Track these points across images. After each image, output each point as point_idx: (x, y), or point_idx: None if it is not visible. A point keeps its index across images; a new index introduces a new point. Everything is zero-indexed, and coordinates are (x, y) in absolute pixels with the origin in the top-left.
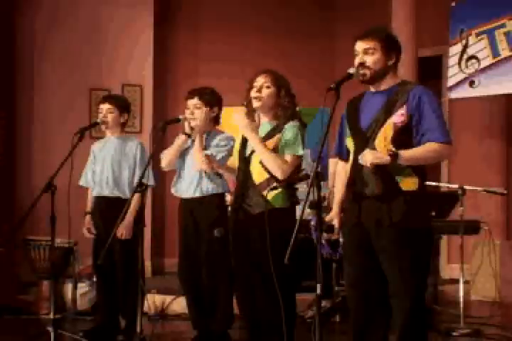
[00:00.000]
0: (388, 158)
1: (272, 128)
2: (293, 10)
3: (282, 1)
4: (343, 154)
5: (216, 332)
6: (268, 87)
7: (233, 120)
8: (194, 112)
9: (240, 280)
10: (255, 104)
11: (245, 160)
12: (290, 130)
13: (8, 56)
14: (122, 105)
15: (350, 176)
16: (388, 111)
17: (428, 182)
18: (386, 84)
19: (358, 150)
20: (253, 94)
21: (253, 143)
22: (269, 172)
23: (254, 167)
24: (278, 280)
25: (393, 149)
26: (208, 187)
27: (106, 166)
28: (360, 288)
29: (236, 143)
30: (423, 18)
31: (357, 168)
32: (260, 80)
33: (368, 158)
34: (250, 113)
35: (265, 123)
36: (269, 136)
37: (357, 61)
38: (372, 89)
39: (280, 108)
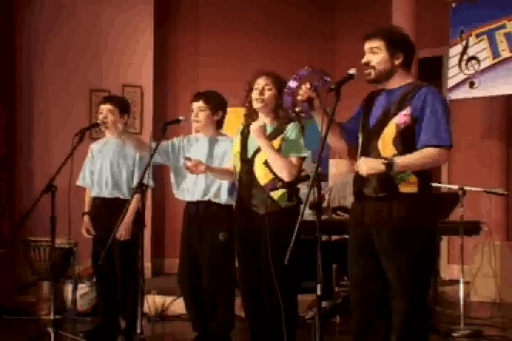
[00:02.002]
0: (383, 167)
1: (274, 129)
2: (293, 10)
3: (282, 1)
4: (347, 131)
5: (216, 335)
6: (270, 89)
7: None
8: (198, 114)
9: (245, 282)
10: (256, 105)
11: (248, 162)
12: (293, 131)
13: (8, 57)
14: (123, 106)
15: (354, 174)
16: (392, 111)
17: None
18: (395, 83)
19: (363, 147)
20: (255, 96)
21: (262, 146)
22: (274, 173)
23: (258, 168)
24: (281, 281)
25: (388, 158)
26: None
27: (105, 167)
28: (363, 288)
29: (235, 144)
30: (423, 19)
31: None
32: (261, 82)
33: (362, 168)
34: (251, 114)
35: (266, 125)
36: (271, 137)
37: (362, 61)
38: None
39: (281, 109)
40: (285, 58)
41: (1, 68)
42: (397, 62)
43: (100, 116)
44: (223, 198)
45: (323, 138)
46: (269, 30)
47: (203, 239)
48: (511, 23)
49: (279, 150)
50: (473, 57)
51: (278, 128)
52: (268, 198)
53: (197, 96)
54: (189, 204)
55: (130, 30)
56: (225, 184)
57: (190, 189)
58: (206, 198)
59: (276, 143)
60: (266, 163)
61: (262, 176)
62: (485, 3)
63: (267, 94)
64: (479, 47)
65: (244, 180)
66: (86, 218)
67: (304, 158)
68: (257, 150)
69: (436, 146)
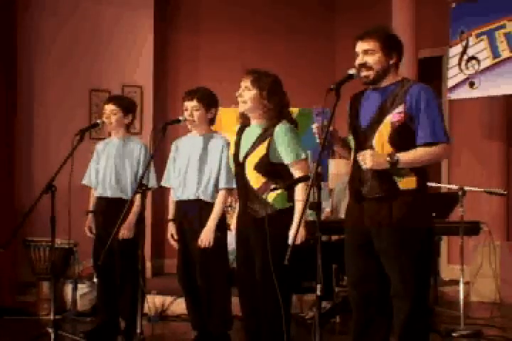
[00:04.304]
0: (388, 165)
1: (262, 131)
2: (293, 10)
3: (282, 1)
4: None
5: (214, 334)
6: (249, 90)
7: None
8: (193, 114)
9: (242, 284)
10: (240, 107)
11: (240, 165)
12: (285, 134)
13: (9, 57)
14: (126, 106)
15: (350, 174)
16: (386, 109)
17: (428, 183)
18: (386, 82)
19: (358, 148)
20: (238, 98)
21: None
22: (268, 177)
23: (249, 173)
24: (275, 281)
25: (392, 154)
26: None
27: (108, 167)
28: (362, 288)
29: (231, 146)
30: (423, 19)
31: (356, 166)
32: (242, 84)
33: (368, 161)
34: (242, 115)
35: (254, 126)
36: (259, 140)
37: (357, 62)
38: (371, 86)
39: (264, 109)
40: (285, 58)
41: (2, 68)
42: (391, 61)
43: (104, 117)
44: (212, 196)
45: (323, 139)
46: (269, 30)
47: (196, 237)
48: (511, 23)
49: (266, 155)
50: (473, 57)
51: (266, 130)
52: (263, 201)
53: (190, 95)
54: (179, 202)
55: (130, 31)
56: (212, 182)
57: (179, 187)
58: (196, 196)
59: (264, 146)
60: (256, 167)
61: (253, 180)
62: (485, 3)
63: (246, 95)
64: (479, 48)
65: (239, 184)
66: (89, 216)
67: (306, 159)
68: (247, 154)
69: (434, 143)
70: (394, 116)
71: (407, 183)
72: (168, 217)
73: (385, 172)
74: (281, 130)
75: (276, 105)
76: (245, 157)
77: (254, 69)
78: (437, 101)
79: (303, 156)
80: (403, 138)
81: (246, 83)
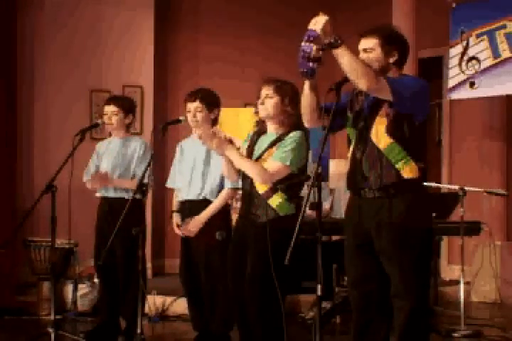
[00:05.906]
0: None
1: (276, 137)
2: (293, 10)
3: (282, 1)
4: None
5: (216, 334)
6: (271, 97)
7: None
8: (196, 115)
9: (234, 286)
10: (260, 113)
11: None
12: (290, 140)
13: (9, 56)
14: (127, 106)
15: (349, 169)
16: (379, 102)
17: (429, 183)
18: None
19: (357, 140)
20: (258, 106)
21: (230, 155)
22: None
23: None
24: (268, 283)
25: (386, 145)
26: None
27: (109, 168)
28: (362, 288)
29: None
30: (423, 19)
31: (356, 161)
32: (263, 92)
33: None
34: (260, 122)
35: (270, 134)
36: (271, 145)
37: None
38: None
39: (285, 115)
40: (285, 58)
41: (2, 68)
42: (391, 60)
43: (105, 118)
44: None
45: (323, 138)
46: (269, 30)
47: (200, 237)
48: (511, 23)
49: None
50: (473, 58)
51: (280, 136)
52: (267, 206)
53: (192, 96)
54: (185, 202)
55: (130, 30)
56: (218, 182)
57: (185, 188)
58: (201, 197)
59: (273, 151)
60: None
61: (259, 184)
62: (485, 4)
63: (268, 103)
64: (479, 48)
65: (246, 188)
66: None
67: (288, 167)
68: (257, 159)
69: (386, 80)
70: (385, 109)
71: (409, 172)
72: (171, 209)
73: (386, 161)
74: (293, 135)
75: (294, 112)
76: (255, 161)
77: (271, 77)
78: (415, 79)
79: (287, 163)
80: (400, 127)
81: (267, 91)
